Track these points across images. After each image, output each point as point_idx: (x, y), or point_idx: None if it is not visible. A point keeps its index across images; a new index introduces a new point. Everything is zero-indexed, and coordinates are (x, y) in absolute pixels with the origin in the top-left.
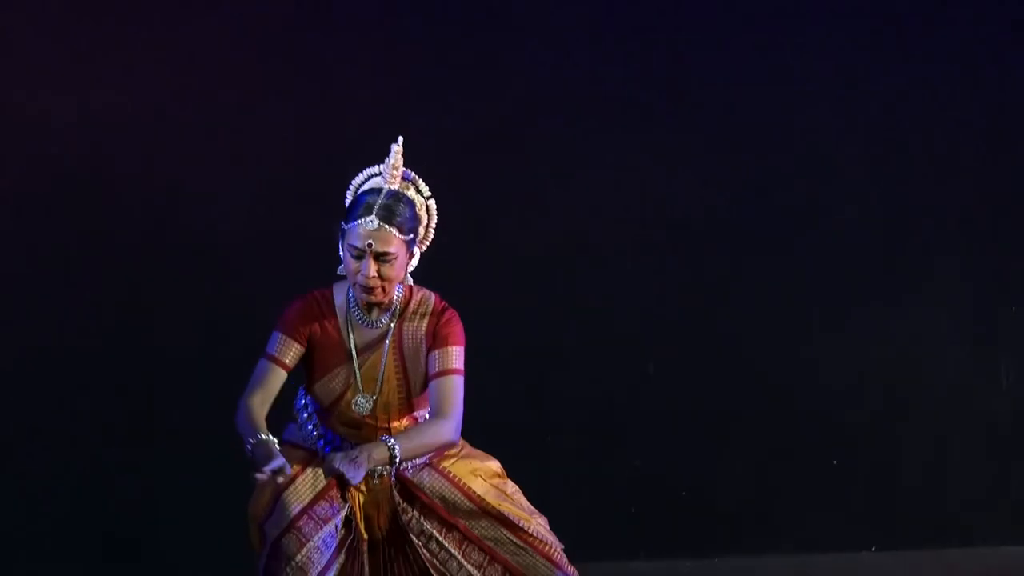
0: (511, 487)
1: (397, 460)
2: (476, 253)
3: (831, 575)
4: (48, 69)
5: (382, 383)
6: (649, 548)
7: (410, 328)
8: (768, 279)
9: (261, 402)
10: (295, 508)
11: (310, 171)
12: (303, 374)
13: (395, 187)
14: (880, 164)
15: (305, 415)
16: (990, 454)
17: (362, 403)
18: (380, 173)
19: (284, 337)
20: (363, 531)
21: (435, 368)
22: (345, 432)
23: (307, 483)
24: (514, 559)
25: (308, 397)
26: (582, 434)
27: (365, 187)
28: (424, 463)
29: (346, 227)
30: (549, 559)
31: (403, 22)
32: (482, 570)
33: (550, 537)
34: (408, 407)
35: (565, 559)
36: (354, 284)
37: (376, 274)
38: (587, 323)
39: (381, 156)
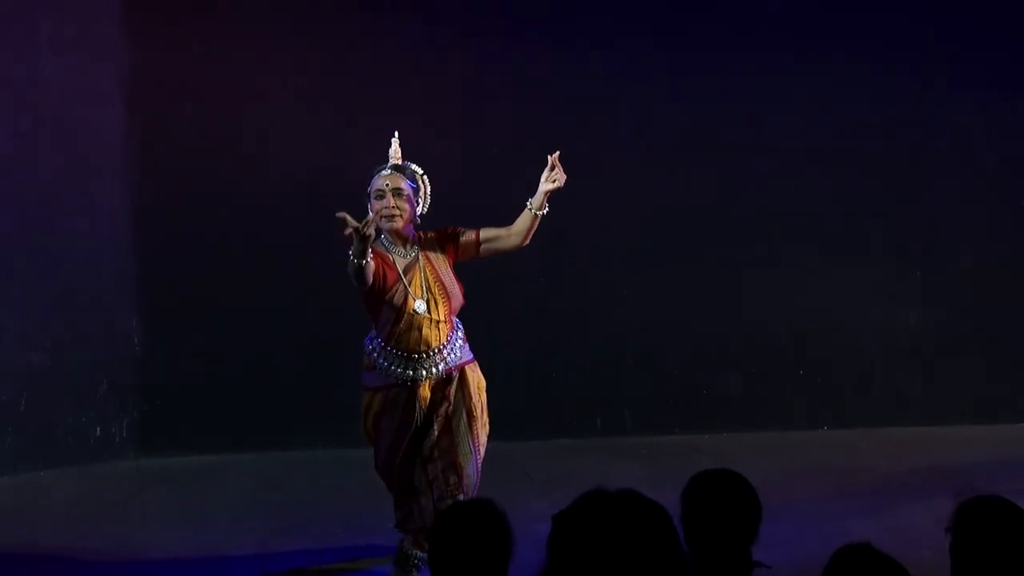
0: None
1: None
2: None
3: (798, 447)
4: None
5: (428, 287)
6: (681, 426)
7: (429, 249)
8: (750, 255)
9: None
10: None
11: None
12: (367, 324)
13: (399, 163)
14: (829, 171)
15: (374, 352)
16: (898, 369)
17: (420, 305)
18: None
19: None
20: (419, 418)
21: (472, 237)
22: (406, 340)
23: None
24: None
25: (375, 340)
26: (643, 358)
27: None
28: (461, 365)
29: (370, 188)
30: (477, 453)
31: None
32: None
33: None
34: (448, 301)
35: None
36: (380, 217)
37: (393, 204)
38: (607, 287)
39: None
